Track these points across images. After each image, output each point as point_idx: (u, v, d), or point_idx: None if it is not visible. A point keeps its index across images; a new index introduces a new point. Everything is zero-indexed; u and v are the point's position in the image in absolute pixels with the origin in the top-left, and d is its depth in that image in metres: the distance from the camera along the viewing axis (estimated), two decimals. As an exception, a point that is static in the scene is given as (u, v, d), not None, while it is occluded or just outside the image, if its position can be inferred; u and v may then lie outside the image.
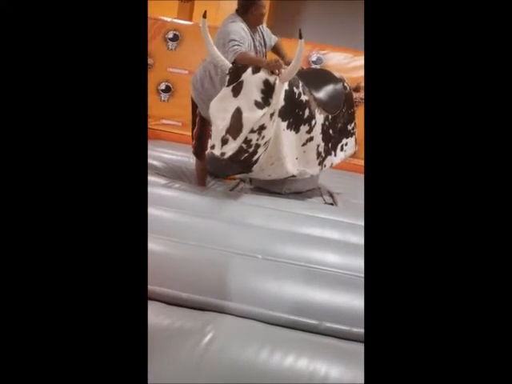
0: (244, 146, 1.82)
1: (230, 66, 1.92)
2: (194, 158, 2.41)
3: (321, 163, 2.30)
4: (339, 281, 1.26)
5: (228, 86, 1.87)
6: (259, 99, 1.81)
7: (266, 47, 2.36)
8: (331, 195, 2.52)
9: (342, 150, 2.49)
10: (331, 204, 2.41)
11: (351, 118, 2.52)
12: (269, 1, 5.01)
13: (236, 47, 2.03)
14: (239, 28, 2.12)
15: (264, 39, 2.34)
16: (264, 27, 2.39)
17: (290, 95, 1.99)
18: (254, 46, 2.25)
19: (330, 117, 2.27)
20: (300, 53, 1.83)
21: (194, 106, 2.34)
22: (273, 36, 2.40)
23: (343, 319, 1.09)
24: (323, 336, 1.05)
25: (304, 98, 2.07)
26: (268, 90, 1.83)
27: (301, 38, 1.82)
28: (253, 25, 2.23)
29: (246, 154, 1.86)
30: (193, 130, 2.41)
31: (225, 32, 2.11)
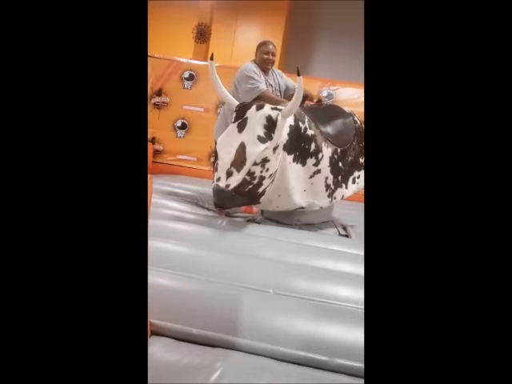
0: (248, 177, 1.88)
1: (237, 103, 2.03)
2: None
3: (330, 195, 2.32)
4: (351, 315, 1.24)
5: (234, 122, 1.97)
6: (262, 134, 1.89)
7: (281, 90, 2.64)
8: (344, 228, 2.51)
9: (354, 182, 2.50)
10: (345, 236, 2.40)
11: (363, 152, 2.54)
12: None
13: (258, 84, 2.41)
14: (252, 68, 2.47)
15: (279, 83, 2.56)
16: (280, 72, 2.70)
17: (295, 130, 2.05)
18: (269, 86, 2.47)
19: (338, 150, 2.30)
20: (299, 90, 1.91)
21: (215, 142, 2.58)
22: (290, 81, 2.67)
23: (355, 355, 1.06)
24: (334, 373, 1.03)
25: (310, 132, 2.12)
26: (270, 125, 1.91)
27: (298, 75, 1.90)
28: (261, 67, 2.56)
29: (251, 186, 1.91)
30: (214, 162, 2.66)
31: (240, 73, 2.48)
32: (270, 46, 2.55)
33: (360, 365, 1.05)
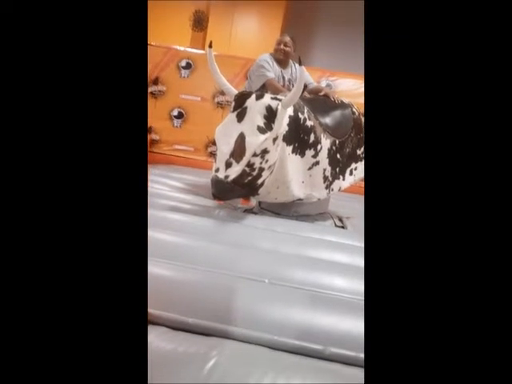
0: (247, 169, 1.86)
1: (236, 92, 2.00)
2: None
3: (328, 187, 2.32)
4: (346, 305, 1.25)
5: (233, 111, 1.94)
6: (262, 124, 1.86)
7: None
8: (340, 219, 2.52)
9: (351, 174, 2.50)
10: (341, 227, 2.41)
11: (360, 143, 2.53)
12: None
13: (266, 72, 2.47)
14: (266, 58, 2.55)
15: (296, 78, 2.58)
16: (299, 68, 2.61)
17: (294, 121, 2.03)
18: (281, 78, 2.48)
19: (337, 141, 2.29)
20: (301, 79, 1.89)
21: None
22: (309, 77, 2.67)
23: (349, 345, 1.07)
24: (329, 362, 1.03)
25: (309, 123, 2.10)
26: (270, 115, 1.88)
27: (300, 64, 1.88)
28: (277, 58, 2.60)
29: (250, 177, 1.89)
30: None
31: (255, 62, 2.58)
32: (285, 38, 2.58)
33: (354, 354, 1.06)
